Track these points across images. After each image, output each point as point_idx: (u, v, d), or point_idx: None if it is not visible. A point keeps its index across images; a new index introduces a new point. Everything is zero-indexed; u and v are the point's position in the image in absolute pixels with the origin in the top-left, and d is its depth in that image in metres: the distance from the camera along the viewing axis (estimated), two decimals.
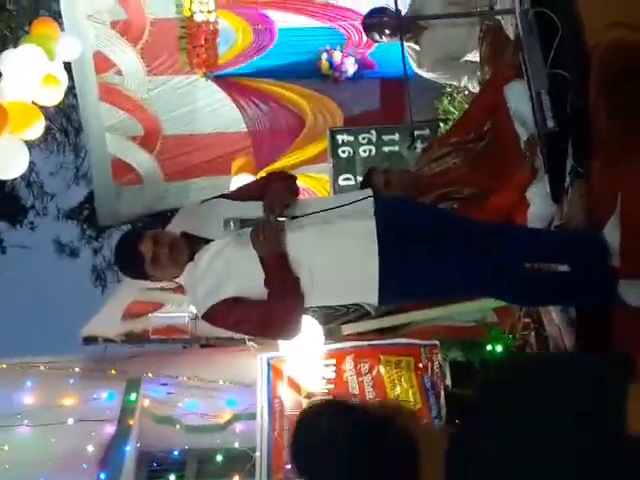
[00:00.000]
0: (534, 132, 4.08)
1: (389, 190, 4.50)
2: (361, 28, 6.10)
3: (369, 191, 3.57)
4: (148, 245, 3.33)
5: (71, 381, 6.94)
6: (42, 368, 7.01)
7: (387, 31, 5.50)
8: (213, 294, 3.33)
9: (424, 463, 1.88)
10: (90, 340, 7.14)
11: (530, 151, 4.23)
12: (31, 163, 6.08)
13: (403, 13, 5.38)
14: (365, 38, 7.36)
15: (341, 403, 2.10)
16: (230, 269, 3.34)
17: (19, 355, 7.46)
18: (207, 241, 3.41)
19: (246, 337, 6.26)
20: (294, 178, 3.71)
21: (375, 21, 5.55)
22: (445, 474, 1.86)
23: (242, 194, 3.62)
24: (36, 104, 6.14)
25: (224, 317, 3.40)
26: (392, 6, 5.46)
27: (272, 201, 3.36)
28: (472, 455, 1.84)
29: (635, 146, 3.27)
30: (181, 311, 6.73)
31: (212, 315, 3.38)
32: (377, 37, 5.62)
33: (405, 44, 5.60)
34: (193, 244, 3.40)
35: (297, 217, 3.35)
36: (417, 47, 5.71)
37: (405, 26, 5.33)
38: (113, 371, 6.95)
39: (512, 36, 4.63)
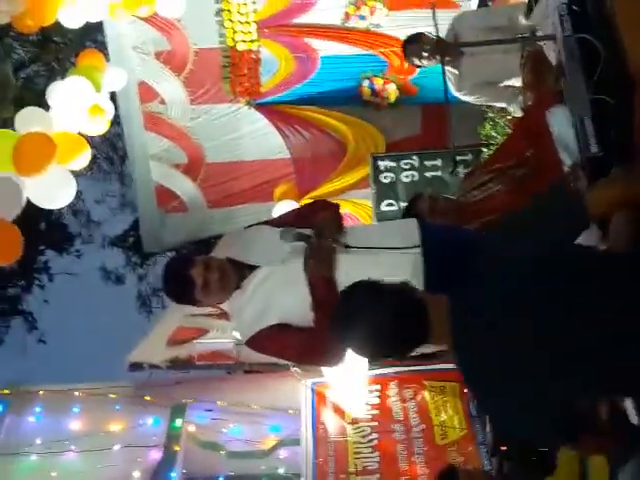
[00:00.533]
0: (578, 158, 4.06)
1: (434, 217, 4.51)
2: (401, 53, 6.13)
3: (414, 221, 3.58)
4: (199, 270, 3.35)
5: (117, 407, 7.04)
6: (89, 394, 7.10)
7: (425, 54, 5.52)
8: (258, 320, 3.34)
9: (433, 315, 2.60)
10: (136, 366, 7.20)
11: (574, 177, 4.21)
12: (77, 191, 6.18)
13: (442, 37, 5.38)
14: (406, 64, 7.39)
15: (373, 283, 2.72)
16: (276, 296, 3.35)
17: (66, 381, 7.56)
18: (251, 267, 3.44)
19: (290, 363, 6.28)
20: (338, 207, 3.74)
21: (414, 46, 5.58)
22: (449, 322, 2.58)
23: (285, 221, 3.64)
24: (82, 135, 6.25)
25: (269, 343, 3.40)
26: (431, 30, 5.51)
27: (323, 227, 3.39)
28: (470, 309, 2.55)
29: None
30: (225, 337, 6.78)
31: (257, 341, 3.39)
32: (417, 61, 5.65)
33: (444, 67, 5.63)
34: (238, 270, 3.43)
35: (349, 247, 3.37)
36: (456, 71, 5.73)
37: (445, 50, 5.34)
38: (159, 397, 7.01)
39: (554, 62, 4.63)
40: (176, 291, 3.51)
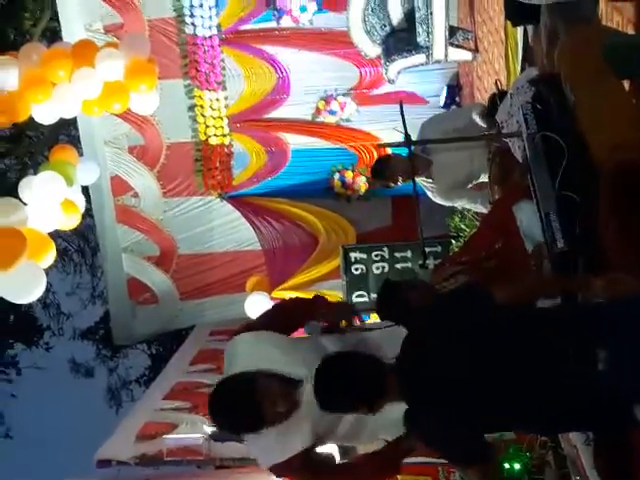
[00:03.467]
0: (539, 243, 4.12)
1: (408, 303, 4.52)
2: (373, 179, 6.30)
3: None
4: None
5: None
6: None
7: (399, 177, 5.66)
8: (287, 443, 3.23)
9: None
10: (104, 463, 7.06)
11: (536, 261, 4.27)
12: (48, 284, 6.16)
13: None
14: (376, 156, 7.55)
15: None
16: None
17: (33, 478, 7.39)
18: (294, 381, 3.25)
19: None
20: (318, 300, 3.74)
21: (388, 169, 5.71)
22: None
23: (271, 324, 3.49)
24: (49, 233, 6.27)
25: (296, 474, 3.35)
26: (399, 126, 5.62)
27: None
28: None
29: None
30: (195, 432, 6.66)
31: (283, 469, 3.32)
32: (391, 185, 5.79)
33: (419, 179, 5.75)
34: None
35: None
36: (430, 180, 5.86)
37: (415, 166, 5.45)
38: None
39: (520, 158, 4.73)
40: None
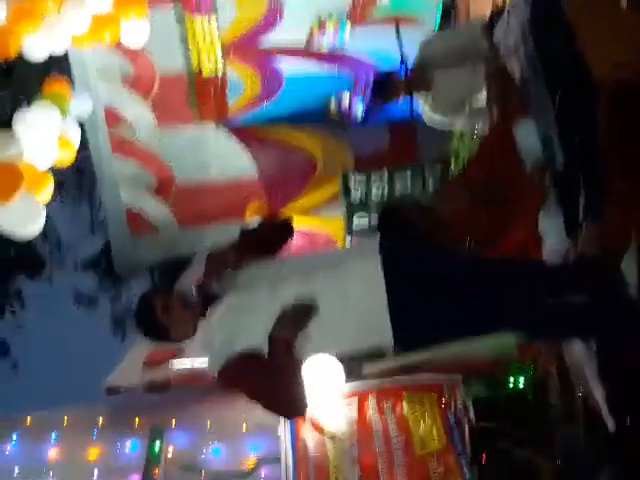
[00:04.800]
0: (541, 157, 4.15)
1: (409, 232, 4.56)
2: (372, 96, 6.25)
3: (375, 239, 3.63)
4: (159, 295, 3.43)
5: (95, 432, 6.97)
6: (66, 421, 7.05)
7: (399, 93, 5.63)
8: (225, 349, 3.35)
9: None
10: (113, 390, 7.18)
11: (538, 174, 4.30)
12: (47, 217, 6.18)
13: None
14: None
15: None
16: (242, 323, 3.38)
17: (42, 408, 7.50)
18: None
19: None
20: (269, 231, 3.81)
21: (387, 86, 5.67)
22: None
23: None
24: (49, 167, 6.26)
25: (237, 374, 3.41)
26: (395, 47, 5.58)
27: (210, 266, 3.50)
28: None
29: None
30: (202, 357, 6.75)
31: (227, 375, 3.40)
32: (394, 101, 5.76)
33: (417, 96, 5.73)
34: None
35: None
36: (429, 98, 5.83)
37: (415, 84, 5.44)
38: (136, 421, 6.98)
39: (518, 78, 4.72)
40: (139, 319, 3.52)
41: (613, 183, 3.54)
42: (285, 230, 3.74)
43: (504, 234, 4.42)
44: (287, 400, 3.32)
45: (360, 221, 7.58)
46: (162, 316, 3.35)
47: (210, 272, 3.43)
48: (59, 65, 11.73)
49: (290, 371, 3.28)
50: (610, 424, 3.74)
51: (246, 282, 3.40)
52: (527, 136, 4.36)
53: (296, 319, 3.29)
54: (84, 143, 8.89)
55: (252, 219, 8.64)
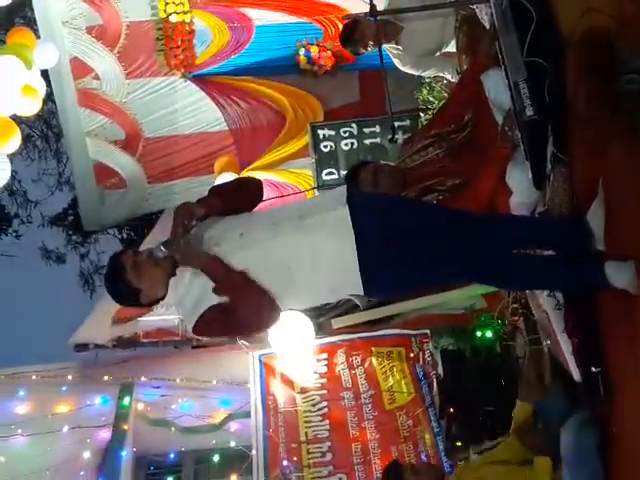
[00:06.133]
0: (509, 107, 4.09)
1: (377, 187, 4.52)
2: (341, 45, 6.13)
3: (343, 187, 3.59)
4: (129, 255, 3.36)
5: (64, 388, 6.95)
6: (34, 377, 7.01)
7: (369, 42, 5.53)
8: (198, 306, 3.31)
9: None
10: (81, 347, 7.14)
11: (507, 125, 4.25)
12: (13, 171, 6.06)
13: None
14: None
15: None
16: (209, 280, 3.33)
17: (10, 365, 7.45)
18: None
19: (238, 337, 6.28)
20: (238, 188, 3.74)
21: (355, 34, 5.58)
22: None
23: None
24: (14, 115, 6.14)
25: (211, 325, 3.37)
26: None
27: (176, 221, 3.40)
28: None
29: (613, 131, 3.30)
30: (170, 313, 6.71)
31: (200, 326, 3.35)
32: (361, 50, 5.66)
33: (387, 46, 5.64)
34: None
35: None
36: (399, 47, 5.73)
37: (385, 32, 5.35)
38: (106, 377, 6.95)
39: (488, 25, 4.65)
40: (110, 281, 3.44)
41: (580, 132, 3.50)
42: (254, 191, 3.68)
43: (471, 184, 4.39)
44: (255, 309, 3.30)
45: (329, 177, 7.52)
46: (133, 275, 3.30)
47: (176, 225, 3.37)
48: (23, 15, 11.54)
49: (236, 279, 3.28)
50: (576, 375, 3.74)
51: (216, 238, 3.35)
52: (496, 86, 4.31)
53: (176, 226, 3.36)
54: (49, 95, 8.75)
55: (221, 174, 8.55)
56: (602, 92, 3.30)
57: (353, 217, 3.31)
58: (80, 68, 8.75)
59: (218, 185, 3.86)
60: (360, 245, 3.28)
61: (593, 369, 3.51)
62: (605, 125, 3.31)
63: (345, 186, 3.55)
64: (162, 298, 3.46)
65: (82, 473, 6.54)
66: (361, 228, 3.30)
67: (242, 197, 3.60)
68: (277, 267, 3.31)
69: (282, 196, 8.15)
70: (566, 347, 3.85)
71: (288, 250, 3.31)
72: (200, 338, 5.94)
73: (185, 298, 3.38)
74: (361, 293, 3.38)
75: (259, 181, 3.77)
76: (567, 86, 3.63)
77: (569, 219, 3.70)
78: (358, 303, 3.59)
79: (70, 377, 7.01)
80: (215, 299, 3.29)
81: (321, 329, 6.46)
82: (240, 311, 3.27)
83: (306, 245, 3.30)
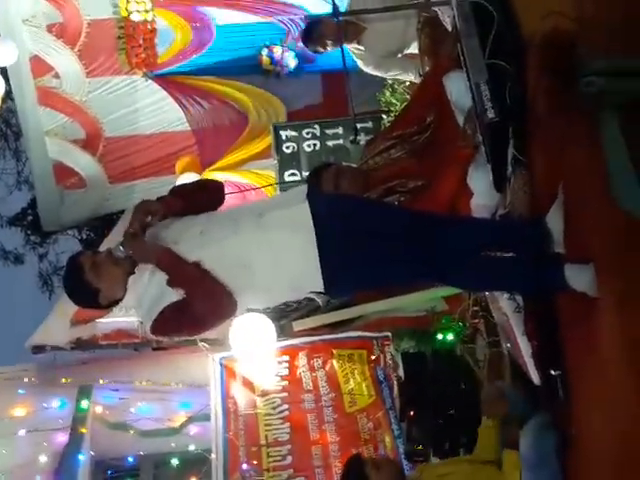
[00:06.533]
0: (471, 109, 4.11)
1: (339, 188, 4.52)
2: (301, 44, 6.14)
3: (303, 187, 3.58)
4: (87, 255, 3.33)
5: (21, 391, 6.85)
6: None
7: (329, 41, 5.53)
8: (156, 304, 3.28)
9: None
10: (39, 349, 7.04)
11: (469, 127, 4.26)
12: None
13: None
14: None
15: None
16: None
17: None
18: None
19: (197, 338, 6.23)
20: (200, 190, 3.70)
21: (316, 33, 5.58)
22: None
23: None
24: None
25: (169, 323, 3.33)
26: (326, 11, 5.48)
27: (134, 217, 3.39)
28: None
29: (573, 132, 3.30)
30: (130, 315, 6.64)
31: (158, 324, 3.31)
32: (321, 49, 5.66)
33: (349, 46, 5.63)
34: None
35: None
36: (361, 47, 5.74)
37: (347, 32, 5.35)
38: (64, 379, 6.86)
39: (449, 27, 4.66)
40: (68, 282, 3.42)
41: (540, 135, 3.51)
42: (216, 193, 3.65)
43: (433, 185, 4.39)
44: (210, 299, 3.27)
45: (291, 178, 7.51)
46: (92, 275, 3.26)
47: (133, 221, 3.34)
48: None
49: (189, 270, 3.25)
50: (535, 378, 3.75)
51: (174, 236, 3.32)
52: (458, 87, 4.32)
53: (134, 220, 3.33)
54: (8, 93, 8.64)
55: (183, 175, 8.50)
56: (562, 94, 3.30)
57: (313, 213, 3.30)
58: (40, 66, 8.65)
59: (179, 185, 3.85)
60: (321, 242, 3.27)
61: (552, 372, 3.51)
62: (565, 127, 3.32)
63: (305, 185, 3.55)
64: (120, 299, 3.43)
65: (38, 477, 6.44)
66: (321, 225, 3.29)
67: (203, 199, 3.58)
68: (237, 264, 3.29)
69: (241, 191, 8.13)
70: (526, 350, 3.85)
71: (248, 247, 3.30)
72: (158, 338, 5.89)
73: (143, 297, 3.35)
74: (321, 290, 3.37)
75: (221, 183, 3.75)
76: (528, 88, 3.65)
77: (529, 221, 3.71)
78: (318, 301, 3.56)
79: (27, 379, 6.90)
80: (174, 297, 3.26)
81: (282, 331, 6.43)
82: (194, 302, 3.24)
83: (266, 241, 3.29)
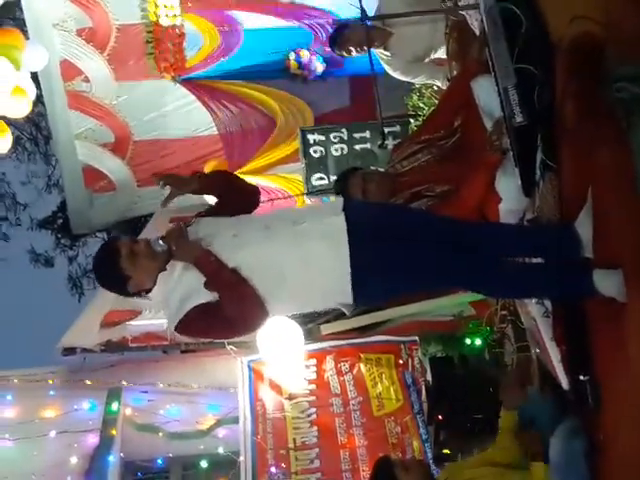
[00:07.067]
0: (500, 116, 4.09)
1: (367, 195, 4.52)
2: (329, 47, 6.14)
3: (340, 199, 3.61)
4: (126, 242, 3.35)
5: (51, 393, 6.91)
6: (21, 381, 6.97)
7: (356, 46, 5.54)
8: (184, 302, 3.29)
9: None
10: (69, 351, 7.09)
11: (497, 133, 4.24)
12: (1, 174, 6.04)
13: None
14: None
15: None
16: (200, 278, 3.32)
17: None
18: None
19: (225, 341, 6.26)
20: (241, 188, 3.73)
21: (342, 37, 5.59)
22: None
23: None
24: (4, 117, 6.09)
25: (196, 324, 3.35)
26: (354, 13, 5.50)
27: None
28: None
29: (602, 137, 3.29)
30: (159, 317, 6.68)
31: (184, 325, 3.33)
32: (347, 53, 5.67)
33: (377, 51, 5.63)
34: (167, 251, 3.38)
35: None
36: (388, 53, 5.73)
37: (374, 38, 5.36)
38: (93, 381, 6.91)
39: (477, 31, 4.64)
40: (101, 262, 3.44)
41: (569, 140, 3.49)
42: (252, 196, 3.67)
43: (460, 190, 4.38)
44: (243, 307, 3.28)
45: (318, 182, 7.51)
46: (127, 262, 3.29)
47: (172, 188, 3.46)
48: (13, 16, 11.49)
49: (226, 277, 3.26)
50: (564, 383, 3.74)
51: (207, 237, 3.35)
52: (486, 92, 4.31)
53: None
54: (39, 97, 8.71)
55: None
56: (591, 99, 3.29)
57: (348, 224, 3.31)
58: (70, 70, 8.73)
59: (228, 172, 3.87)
60: (353, 251, 3.27)
61: (581, 377, 3.49)
62: (593, 132, 3.30)
63: (342, 199, 3.57)
64: (149, 291, 3.44)
65: (69, 478, 6.49)
66: (355, 235, 3.29)
67: (241, 195, 3.61)
68: (269, 270, 3.30)
69: (272, 200, 8.14)
70: (554, 355, 3.84)
71: (281, 254, 3.31)
72: (183, 338, 5.92)
73: (172, 294, 3.35)
74: (350, 301, 3.37)
75: (257, 188, 3.77)
76: (556, 92, 3.63)
77: (558, 227, 3.69)
78: (345, 311, 3.56)
79: (58, 381, 6.96)
80: (202, 298, 3.27)
81: (310, 335, 6.44)
82: (227, 308, 3.25)
83: (299, 250, 3.30)
